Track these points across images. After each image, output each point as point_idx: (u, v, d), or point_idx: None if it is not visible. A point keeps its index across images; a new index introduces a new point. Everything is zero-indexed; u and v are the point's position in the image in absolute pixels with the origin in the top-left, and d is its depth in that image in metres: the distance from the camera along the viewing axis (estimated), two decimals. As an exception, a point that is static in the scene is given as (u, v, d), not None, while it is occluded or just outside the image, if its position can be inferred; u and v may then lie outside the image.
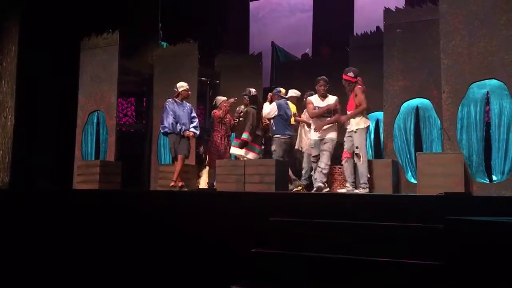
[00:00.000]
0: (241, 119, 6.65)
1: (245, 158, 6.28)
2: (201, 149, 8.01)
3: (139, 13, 8.60)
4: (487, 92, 5.28)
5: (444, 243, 3.04)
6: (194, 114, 6.61)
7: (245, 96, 6.61)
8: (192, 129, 6.44)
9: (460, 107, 5.24)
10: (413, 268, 3.17)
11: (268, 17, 12.41)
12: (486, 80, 5.19)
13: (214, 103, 7.20)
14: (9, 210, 5.62)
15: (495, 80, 5.13)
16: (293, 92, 6.87)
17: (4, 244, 5.33)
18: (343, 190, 5.56)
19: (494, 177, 5.14)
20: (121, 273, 4.68)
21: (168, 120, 6.25)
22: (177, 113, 6.35)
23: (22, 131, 7.66)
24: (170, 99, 6.44)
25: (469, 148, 5.21)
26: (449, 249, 2.95)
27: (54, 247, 5.09)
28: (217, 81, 8.53)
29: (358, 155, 5.45)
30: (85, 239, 4.97)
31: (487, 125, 5.32)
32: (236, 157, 6.59)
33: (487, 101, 5.32)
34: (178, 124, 6.30)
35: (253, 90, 6.67)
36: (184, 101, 6.49)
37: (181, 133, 6.29)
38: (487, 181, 5.14)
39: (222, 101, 7.03)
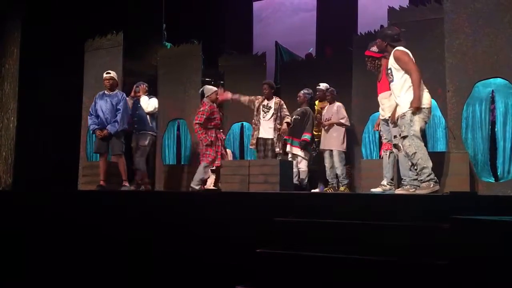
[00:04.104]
0: (296, 116, 6.58)
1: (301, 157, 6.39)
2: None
3: (142, 14, 8.61)
4: (492, 90, 5.25)
5: (450, 242, 3.03)
6: (119, 107, 6.16)
7: (307, 95, 6.61)
8: (108, 126, 6.07)
9: (465, 106, 5.21)
10: (419, 268, 3.16)
11: (272, 17, 12.41)
12: (491, 79, 5.16)
13: (201, 92, 6.80)
14: (12, 212, 5.63)
15: (500, 79, 5.11)
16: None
17: (8, 247, 5.35)
18: (378, 190, 5.21)
19: (499, 176, 5.12)
20: (125, 274, 4.69)
21: (89, 120, 6.17)
22: (98, 108, 6.12)
23: (24, 132, 7.68)
24: (99, 92, 6.31)
25: (475, 147, 5.18)
26: (455, 249, 2.94)
27: (58, 248, 5.10)
28: (221, 82, 8.53)
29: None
30: (89, 240, 4.98)
31: (493, 124, 5.29)
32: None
33: (492, 100, 5.30)
34: (92, 123, 6.09)
35: (310, 91, 6.71)
36: (117, 91, 6.26)
37: (92, 132, 6.10)
38: (492, 180, 5.12)
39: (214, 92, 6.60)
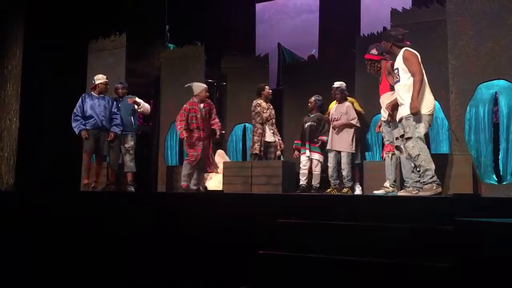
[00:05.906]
0: (312, 123, 6.56)
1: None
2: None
3: (146, 16, 8.63)
4: (495, 92, 5.25)
5: (453, 244, 3.02)
6: (114, 109, 6.29)
7: (317, 101, 6.59)
8: (114, 128, 6.21)
9: (468, 108, 5.21)
10: (421, 270, 3.15)
11: (274, 18, 12.40)
12: (494, 81, 5.16)
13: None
14: (14, 213, 5.64)
15: (504, 81, 5.11)
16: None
17: (9, 248, 5.36)
18: (381, 192, 5.24)
19: (502, 178, 5.11)
20: (126, 274, 4.69)
21: (74, 122, 6.12)
22: (88, 109, 6.10)
23: (27, 133, 7.70)
24: (85, 93, 6.29)
25: (477, 149, 5.18)
26: (458, 251, 2.93)
27: (60, 250, 5.11)
28: (224, 83, 8.54)
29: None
30: (91, 241, 4.99)
31: (496, 126, 5.29)
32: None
33: (495, 102, 5.29)
34: (79, 124, 6.05)
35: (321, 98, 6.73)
36: (104, 95, 6.27)
37: (78, 134, 6.10)
38: (495, 182, 5.11)
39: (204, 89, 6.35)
